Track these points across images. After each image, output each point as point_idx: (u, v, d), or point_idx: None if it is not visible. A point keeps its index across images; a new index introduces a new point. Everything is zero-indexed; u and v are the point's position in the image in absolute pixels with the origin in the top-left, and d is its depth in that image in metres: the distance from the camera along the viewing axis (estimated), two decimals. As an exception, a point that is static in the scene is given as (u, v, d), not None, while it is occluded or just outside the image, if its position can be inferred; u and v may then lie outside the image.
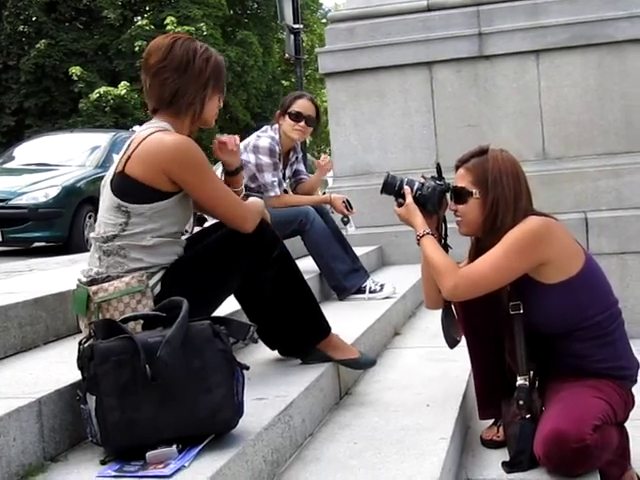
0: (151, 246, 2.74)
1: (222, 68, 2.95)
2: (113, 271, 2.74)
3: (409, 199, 3.00)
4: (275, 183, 4.91)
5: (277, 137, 4.97)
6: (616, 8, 6.80)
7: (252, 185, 4.98)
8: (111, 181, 2.79)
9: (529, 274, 2.83)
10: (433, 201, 3.01)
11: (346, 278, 4.85)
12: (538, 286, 2.84)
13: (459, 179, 2.95)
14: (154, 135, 2.75)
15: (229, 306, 3.15)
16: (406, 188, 3.03)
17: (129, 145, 2.81)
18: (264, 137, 4.94)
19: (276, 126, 5.02)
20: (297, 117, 4.94)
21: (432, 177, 3.07)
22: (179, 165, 2.70)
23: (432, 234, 2.95)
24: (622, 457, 2.98)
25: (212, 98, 2.91)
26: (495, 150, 2.93)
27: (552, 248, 2.79)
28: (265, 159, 4.87)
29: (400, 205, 3.04)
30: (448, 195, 3.04)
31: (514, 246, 2.75)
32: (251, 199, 3.08)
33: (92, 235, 2.85)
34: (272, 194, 4.92)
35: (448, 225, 3.08)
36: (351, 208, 5.01)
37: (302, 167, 5.40)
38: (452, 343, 3.11)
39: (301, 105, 4.98)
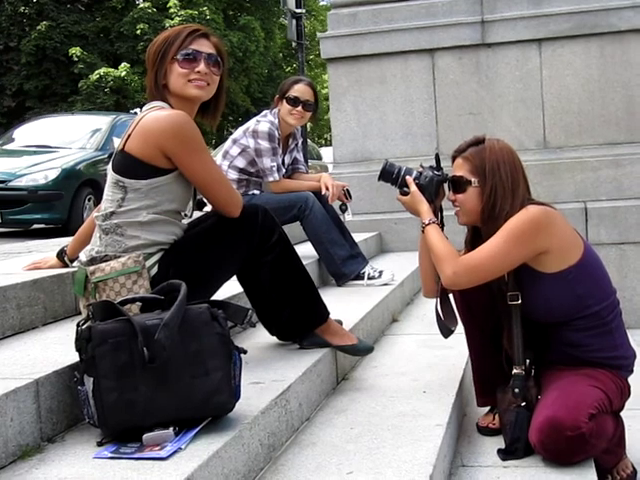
0: (147, 222, 2.75)
1: (169, 39, 2.90)
2: (111, 250, 2.75)
3: (413, 187, 3.01)
4: (274, 168, 4.90)
5: (276, 122, 4.96)
6: (619, -3, 6.79)
7: (251, 170, 4.98)
8: (113, 159, 2.84)
9: (528, 263, 2.83)
10: (430, 191, 3.02)
11: (345, 264, 4.85)
12: (537, 275, 2.84)
13: (457, 169, 2.95)
14: (151, 113, 2.78)
15: (228, 290, 3.16)
16: (408, 178, 3.03)
17: (130, 125, 2.84)
18: (263, 122, 4.93)
19: (275, 110, 5.01)
20: (295, 102, 4.93)
21: (430, 167, 3.07)
22: (172, 138, 2.71)
23: (437, 223, 2.96)
24: (618, 446, 2.99)
25: (170, 68, 2.88)
26: (492, 139, 2.94)
27: (551, 237, 2.79)
28: (264, 144, 4.86)
29: (405, 194, 3.04)
30: (445, 185, 3.04)
31: (514, 234, 2.76)
32: None
33: (95, 214, 2.88)
34: (271, 179, 4.92)
35: (443, 214, 3.08)
36: (350, 197, 5.00)
37: (301, 157, 5.37)
38: (446, 333, 3.11)
39: (299, 90, 4.97)
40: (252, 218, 2.88)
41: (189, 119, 2.76)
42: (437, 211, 3.04)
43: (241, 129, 5.07)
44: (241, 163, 4.97)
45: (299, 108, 4.94)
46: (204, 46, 2.91)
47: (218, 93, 3.00)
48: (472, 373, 3.18)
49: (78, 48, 25.51)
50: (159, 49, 2.88)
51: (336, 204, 5.05)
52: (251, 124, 4.98)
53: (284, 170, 5.07)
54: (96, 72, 25.47)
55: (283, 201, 4.81)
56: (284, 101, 4.96)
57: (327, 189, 4.89)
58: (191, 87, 2.87)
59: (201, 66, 2.86)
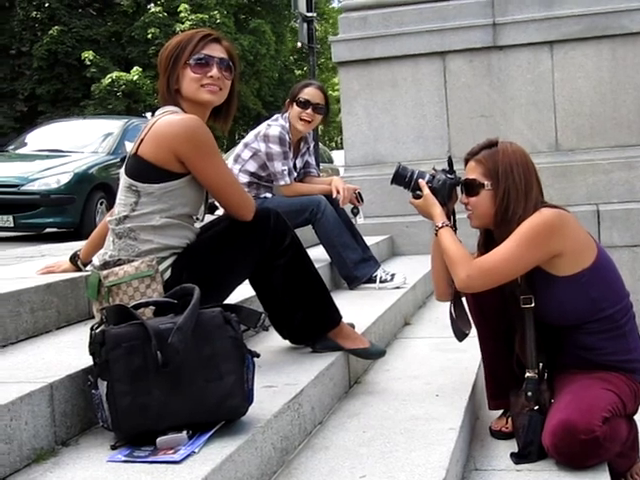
0: (160, 226, 2.76)
1: (181, 43, 2.91)
2: (124, 254, 2.77)
3: (426, 190, 3.01)
4: (285, 172, 4.91)
5: (287, 126, 4.97)
6: (631, -1, 6.77)
7: (262, 174, 4.99)
8: (126, 164, 2.85)
9: (541, 266, 2.83)
10: (443, 194, 3.02)
11: (357, 267, 4.85)
12: (550, 278, 2.83)
13: (470, 172, 2.95)
14: (164, 117, 2.80)
15: (240, 293, 3.16)
16: (421, 181, 3.03)
17: (143, 129, 2.85)
18: (274, 126, 4.94)
19: (286, 114, 5.02)
20: (305, 105, 4.94)
21: (443, 170, 3.07)
22: (185, 142, 2.72)
23: (450, 226, 2.96)
24: (631, 449, 2.98)
25: (183, 73, 2.89)
26: (504, 142, 2.94)
27: (565, 240, 2.79)
28: (275, 148, 4.87)
29: (417, 197, 3.05)
30: (458, 188, 3.04)
31: (527, 237, 2.75)
32: None
33: (108, 218, 2.89)
34: (282, 183, 4.93)
35: (456, 217, 3.08)
36: (362, 200, 5.00)
37: (312, 160, 5.38)
38: (461, 336, 3.11)
39: (309, 93, 4.98)
40: (264, 221, 2.88)
41: (202, 123, 2.77)
42: (450, 214, 3.04)
43: (252, 133, 5.08)
44: (252, 167, 4.98)
45: (309, 111, 4.94)
46: (216, 51, 2.92)
47: (230, 97, 3.01)
48: (484, 376, 3.18)
49: (91, 52, 25.61)
50: (171, 54, 2.89)
51: (348, 207, 5.05)
52: (262, 128, 4.99)
53: (295, 174, 5.08)
54: (108, 76, 25.56)
55: (295, 204, 4.81)
56: (294, 104, 4.97)
57: (338, 192, 4.90)
58: (204, 92, 2.88)
59: (213, 71, 2.88)
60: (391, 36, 7.22)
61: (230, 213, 2.90)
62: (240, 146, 5.13)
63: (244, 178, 4.96)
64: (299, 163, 5.16)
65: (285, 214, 3.05)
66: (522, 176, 2.84)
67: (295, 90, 5.06)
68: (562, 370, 2.96)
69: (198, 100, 2.90)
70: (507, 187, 2.83)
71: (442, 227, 2.95)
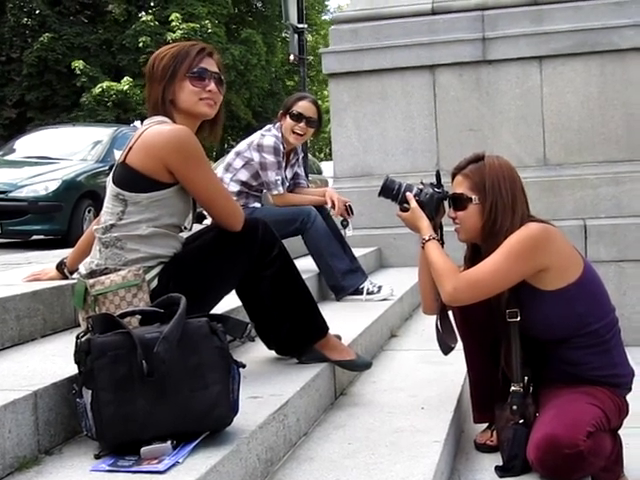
0: (147, 236, 2.76)
1: (178, 56, 2.92)
2: (111, 263, 2.76)
3: (414, 203, 3.02)
4: (279, 181, 4.94)
5: (280, 136, 4.99)
6: (621, 16, 6.80)
7: (253, 183, 5.01)
8: (113, 172, 2.85)
9: (528, 280, 2.83)
10: (430, 208, 3.03)
11: (344, 277, 4.87)
12: (536, 293, 2.84)
13: (457, 186, 2.96)
14: (154, 127, 2.80)
15: (227, 304, 3.16)
16: (408, 194, 3.04)
17: (132, 138, 2.85)
18: (268, 136, 4.96)
19: (278, 125, 5.04)
20: (298, 118, 4.97)
21: (431, 184, 3.08)
22: (175, 152, 2.72)
23: (437, 239, 2.97)
24: (615, 464, 2.98)
25: (181, 86, 2.89)
26: (491, 156, 2.95)
27: (551, 255, 2.80)
28: (269, 157, 4.89)
29: (405, 210, 3.05)
30: (446, 203, 3.05)
31: (514, 251, 2.76)
32: None
33: (95, 227, 2.89)
34: (275, 192, 4.96)
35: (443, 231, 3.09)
36: (352, 213, 5.02)
37: (302, 171, 5.41)
38: (446, 350, 3.11)
39: (303, 106, 5.01)
40: (252, 232, 2.88)
41: (191, 134, 2.78)
42: (437, 228, 3.05)
43: (245, 142, 5.10)
44: (244, 176, 4.99)
45: (302, 124, 4.97)
46: (211, 65, 2.95)
47: (218, 112, 3.02)
48: (470, 389, 3.18)
49: (81, 61, 25.55)
50: (168, 65, 2.89)
51: (337, 219, 5.06)
52: (255, 137, 5.01)
53: (287, 184, 5.09)
54: (98, 86, 25.51)
55: (286, 214, 4.84)
56: (288, 116, 4.99)
57: (333, 203, 4.93)
58: (202, 105, 2.90)
59: (211, 85, 2.90)
60: (381, 49, 7.24)
61: (219, 223, 2.90)
62: (232, 155, 5.14)
63: (235, 187, 4.97)
64: (289, 174, 5.18)
65: (276, 223, 3.06)
66: (509, 190, 2.85)
67: (289, 102, 5.09)
68: (547, 384, 2.97)
69: (195, 113, 2.92)
70: (494, 201, 2.84)
71: (429, 240, 2.96)
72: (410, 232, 3.12)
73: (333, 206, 4.95)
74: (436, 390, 3.34)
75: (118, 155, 2.93)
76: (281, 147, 4.95)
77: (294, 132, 4.99)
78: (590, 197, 6.74)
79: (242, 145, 5.10)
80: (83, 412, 2.13)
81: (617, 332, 2.95)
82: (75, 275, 3.06)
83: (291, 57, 16.46)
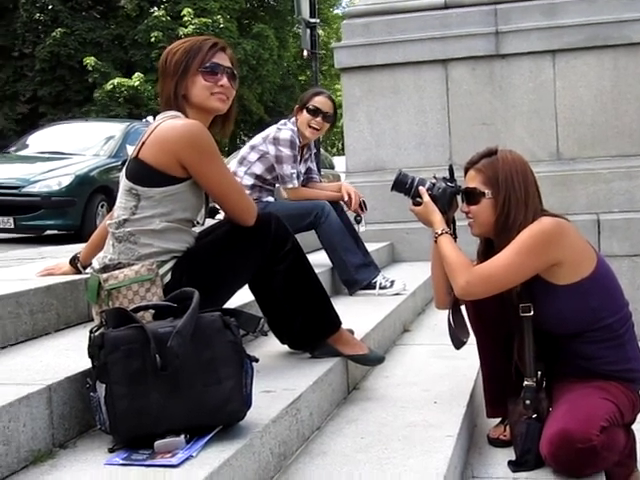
0: (160, 230, 2.77)
1: (190, 51, 2.92)
2: (124, 257, 2.77)
3: (426, 198, 3.01)
4: (294, 175, 4.95)
5: (296, 130, 5.00)
6: (634, 10, 6.77)
7: (268, 177, 5.02)
8: (126, 167, 2.86)
9: (541, 275, 2.83)
10: (443, 202, 3.02)
11: (357, 271, 4.87)
12: (550, 287, 2.84)
13: (470, 180, 2.96)
14: (167, 121, 2.81)
15: (240, 298, 3.16)
16: (421, 188, 3.04)
17: (144, 133, 2.86)
18: (285, 129, 4.98)
19: (294, 120, 5.06)
20: (315, 112, 4.99)
21: (443, 178, 3.08)
22: (188, 147, 2.73)
23: (450, 233, 2.96)
24: (629, 458, 2.98)
25: (193, 80, 2.90)
26: (504, 150, 2.95)
27: (565, 249, 2.79)
28: (286, 151, 4.91)
29: (418, 204, 3.05)
30: (459, 197, 3.04)
31: (527, 246, 2.76)
32: None
33: (108, 222, 2.89)
34: (290, 186, 4.97)
35: (456, 225, 3.09)
36: (366, 208, 5.03)
37: (314, 166, 5.43)
38: (458, 344, 3.10)
39: (319, 101, 5.03)
40: (265, 226, 2.88)
41: (204, 128, 2.79)
42: (450, 222, 3.04)
43: (260, 136, 5.11)
44: (259, 169, 5.00)
45: (319, 119, 5.00)
46: (224, 60, 2.95)
47: (230, 106, 3.02)
48: (483, 384, 3.18)
49: (92, 58, 25.56)
50: (180, 60, 2.89)
51: (350, 215, 5.07)
52: (271, 131, 5.03)
53: (301, 178, 5.10)
54: (110, 82, 25.54)
55: (300, 208, 4.85)
56: (304, 111, 5.01)
57: (350, 197, 4.94)
58: (214, 100, 2.91)
59: (224, 80, 2.91)
60: (394, 43, 7.22)
61: (232, 217, 2.90)
62: (246, 148, 5.16)
63: (249, 180, 4.98)
64: (302, 169, 5.18)
65: (289, 218, 3.06)
66: (522, 184, 2.85)
67: (305, 97, 5.12)
68: (560, 379, 2.96)
69: (207, 107, 2.92)
70: (507, 195, 2.83)
71: (441, 234, 2.95)
72: (423, 227, 3.11)
73: (350, 200, 4.97)
74: (449, 385, 3.34)
75: (131, 150, 2.93)
76: (297, 141, 4.97)
77: (310, 126, 5.01)
78: (603, 191, 6.72)
79: (257, 139, 5.11)
80: (97, 406, 2.14)
81: (631, 326, 2.94)
82: (88, 270, 3.06)
83: (305, 53, 16.44)
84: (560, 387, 2.92)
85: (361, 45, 7.32)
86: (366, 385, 3.39)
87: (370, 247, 5.34)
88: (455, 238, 3.00)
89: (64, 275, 3.31)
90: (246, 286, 3.06)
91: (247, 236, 2.86)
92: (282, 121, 5.14)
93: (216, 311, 2.31)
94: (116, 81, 25.61)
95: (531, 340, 2.88)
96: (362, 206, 5.01)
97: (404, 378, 3.49)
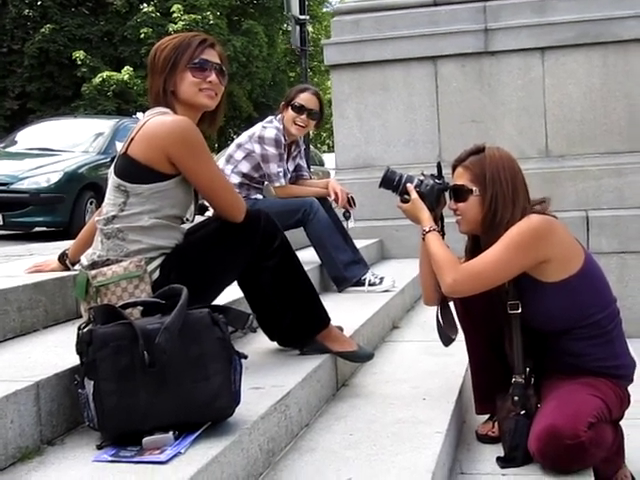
0: (149, 227, 2.76)
1: (179, 47, 2.91)
2: (113, 254, 2.76)
3: (414, 195, 3.01)
4: (280, 173, 4.94)
5: (282, 128, 4.98)
6: (623, 7, 6.78)
7: (255, 175, 5.01)
8: (115, 163, 2.85)
9: (529, 272, 2.83)
10: (431, 199, 3.03)
11: (346, 268, 4.87)
12: (538, 284, 2.84)
13: (457, 178, 2.96)
14: (155, 117, 2.80)
15: (229, 295, 3.16)
16: (409, 185, 3.04)
17: (133, 129, 2.85)
18: (270, 128, 4.96)
19: (280, 117, 5.04)
20: (300, 110, 4.97)
21: (431, 175, 3.08)
22: (177, 143, 2.72)
23: (438, 230, 2.97)
24: (617, 455, 2.99)
25: (182, 77, 2.89)
26: (492, 148, 2.95)
27: (552, 246, 2.80)
28: (271, 150, 4.89)
29: (405, 201, 3.05)
30: (446, 194, 3.05)
31: (515, 243, 2.76)
32: None
33: (96, 218, 2.89)
34: (277, 184, 4.96)
35: (444, 222, 3.09)
36: (354, 204, 5.03)
37: (304, 163, 5.42)
38: (447, 341, 3.11)
39: (304, 98, 5.00)
40: (254, 223, 2.88)
41: (193, 125, 2.78)
42: (438, 219, 3.05)
43: (246, 134, 5.09)
44: (245, 168, 4.99)
45: (303, 116, 4.97)
46: (213, 56, 2.94)
47: (219, 103, 3.02)
48: (471, 380, 3.18)
49: (82, 52, 25.51)
50: (169, 56, 2.89)
51: (339, 211, 5.07)
52: (257, 129, 5.00)
53: (289, 176, 5.09)
54: (99, 75, 25.47)
55: (288, 205, 4.84)
56: (289, 108, 4.99)
57: (336, 194, 4.93)
58: (202, 96, 2.90)
59: (212, 76, 2.90)
60: (383, 40, 7.23)
61: (221, 214, 2.90)
62: (233, 147, 5.14)
63: (236, 179, 4.97)
64: (290, 166, 5.17)
65: (278, 215, 3.05)
66: (509, 181, 2.85)
67: (291, 94, 5.09)
68: (549, 375, 2.97)
69: (195, 104, 2.91)
70: (494, 192, 2.84)
71: (429, 232, 2.96)
72: (412, 224, 3.12)
73: (336, 198, 4.96)
74: (437, 381, 3.35)
75: (120, 147, 2.93)
76: (282, 139, 4.95)
77: (295, 124, 4.98)
78: (592, 188, 6.73)
79: (243, 137, 5.09)
80: (85, 403, 2.14)
81: (619, 323, 2.95)
82: (77, 266, 3.06)
83: (296, 47, 16.40)
84: (549, 384, 2.93)
85: (350, 42, 7.32)
86: (355, 382, 3.39)
87: (359, 244, 5.35)
88: (443, 235, 3.01)
89: (53, 272, 3.30)
90: (235, 283, 3.06)
91: (236, 232, 2.86)
92: (268, 118, 5.12)
93: (205, 308, 2.31)
94: (105, 74, 25.54)
95: (519, 337, 2.89)
96: (351, 202, 5.00)
97: (393, 375, 3.50)
